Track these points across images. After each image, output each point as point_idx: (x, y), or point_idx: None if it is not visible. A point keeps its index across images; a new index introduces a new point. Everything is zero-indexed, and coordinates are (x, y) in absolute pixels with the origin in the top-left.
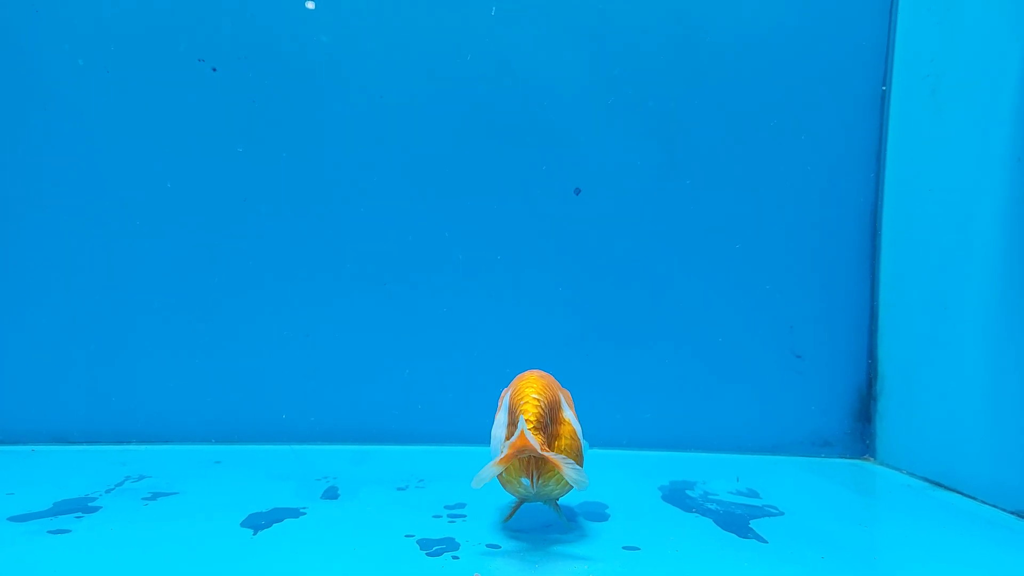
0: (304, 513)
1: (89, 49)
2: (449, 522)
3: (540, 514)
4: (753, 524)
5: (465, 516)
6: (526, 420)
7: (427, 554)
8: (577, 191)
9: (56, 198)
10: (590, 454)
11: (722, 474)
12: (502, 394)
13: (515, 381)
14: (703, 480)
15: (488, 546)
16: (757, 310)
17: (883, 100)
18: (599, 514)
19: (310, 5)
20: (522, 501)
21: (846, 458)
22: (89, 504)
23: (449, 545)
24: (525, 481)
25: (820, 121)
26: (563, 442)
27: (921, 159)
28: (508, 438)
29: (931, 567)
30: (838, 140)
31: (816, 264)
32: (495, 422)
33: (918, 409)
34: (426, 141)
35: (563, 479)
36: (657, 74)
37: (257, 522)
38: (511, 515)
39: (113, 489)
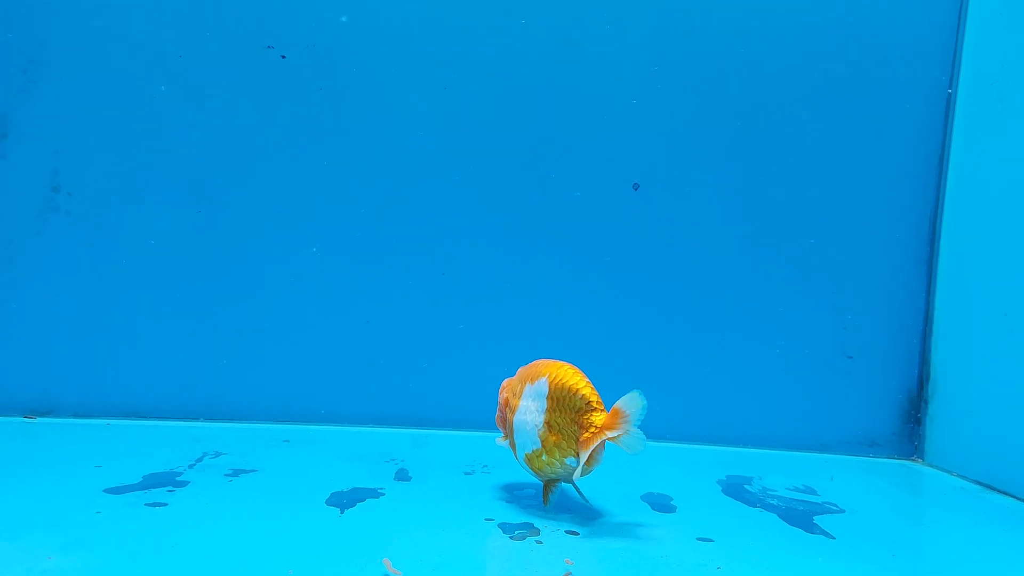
0: (383, 494)
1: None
2: (522, 508)
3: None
4: (817, 520)
5: (538, 504)
6: (597, 402)
7: (511, 537)
8: (636, 186)
9: (118, 176)
10: (651, 447)
11: (775, 470)
12: (506, 383)
13: (538, 369)
14: (759, 476)
15: (567, 532)
16: (811, 310)
17: (948, 104)
18: (665, 505)
19: None
20: (551, 483)
21: (894, 458)
22: (176, 479)
23: (529, 529)
24: (570, 461)
25: (883, 122)
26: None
27: (985, 164)
28: (552, 423)
29: (1001, 570)
30: (901, 142)
31: (872, 266)
32: (519, 409)
33: (971, 413)
34: (483, 131)
35: (599, 460)
36: (721, 72)
37: (341, 501)
38: (547, 499)
39: (195, 464)
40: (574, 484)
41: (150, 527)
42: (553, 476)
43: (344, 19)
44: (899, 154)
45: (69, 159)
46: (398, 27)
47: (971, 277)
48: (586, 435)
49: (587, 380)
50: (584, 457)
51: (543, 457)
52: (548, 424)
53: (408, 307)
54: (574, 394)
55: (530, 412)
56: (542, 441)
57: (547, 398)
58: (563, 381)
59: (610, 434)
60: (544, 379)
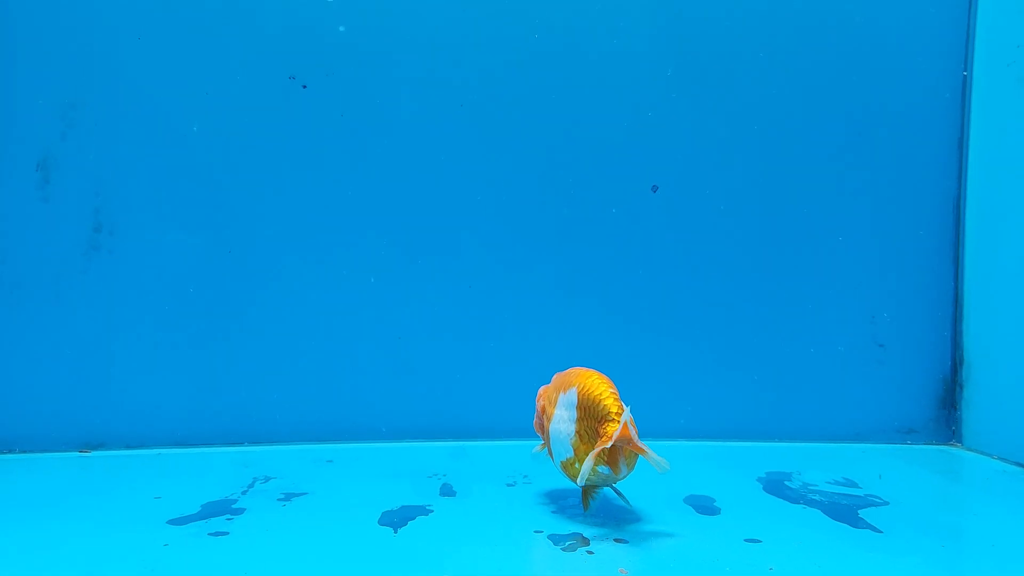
0: (431, 511)
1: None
2: (568, 518)
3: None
4: (862, 514)
5: (582, 512)
6: (616, 412)
7: (561, 548)
8: (655, 188)
9: (157, 211)
10: (683, 446)
11: (814, 464)
12: (542, 391)
13: (569, 378)
14: (798, 471)
15: (616, 540)
16: (840, 301)
17: (964, 86)
18: (709, 507)
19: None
20: (590, 488)
21: (932, 444)
22: (232, 506)
23: (579, 539)
24: (603, 469)
25: (900, 107)
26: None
27: (1006, 145)
28: (582, 432)
29: None
30: (919, 127)
31: (898, 253)
32: (554, 418)
33: (1006, 394)
34: (506, 142)
35: (633, 465)
36: (735, 66)
37: (392, 520)
38: (587, 504)
39: (248, 491)
40: (614, 488)
41: (217, 556)
42: (590, 483)
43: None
44: (919, 140)
45: (109, 199)
46: (412, 46)
47: (998, 258)
48: (600, 451)
49: (613, 390)
50: (588, 466)
51: (576, 465)
52: (579, 433)
53: (438, 320)
54: (598, 404)
55: (563, 421)
56: (574, 449)
57: (577, 407)
58: (589, 391)
59: (610, 444)
60: (574, 389)
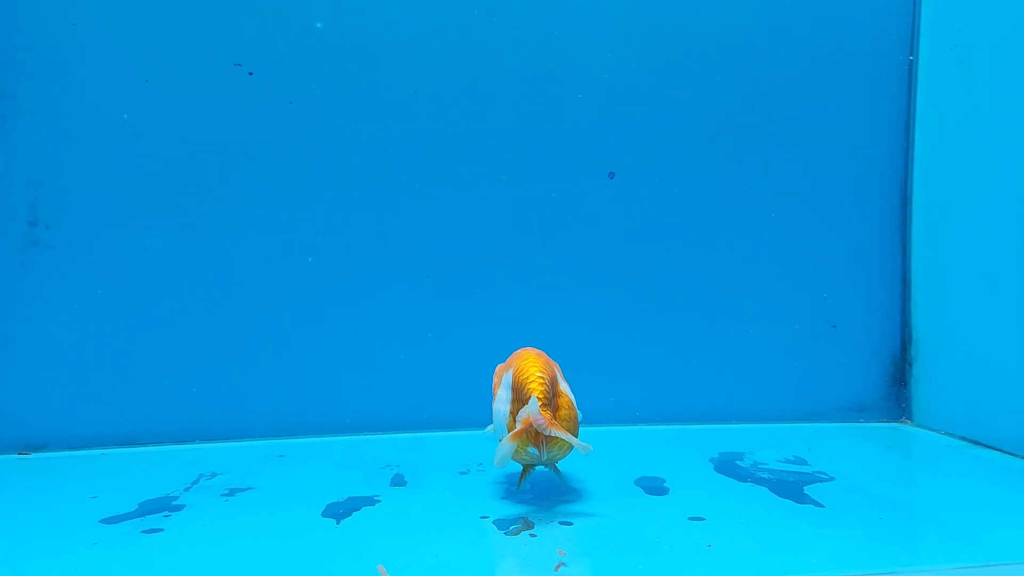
0: (379, 501)
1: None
2: (517, 503)
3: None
4: (807, 490)
5: (532, 497)
6: (536, 401)
7: (505, 533)
8: (611, 175)
9: (95, 204)
10: (641, 431)
11: (766, 443)
12: (497, 370)
13: (513, 359)
14: (750, 451)
15: (561, 523)
16: (791, 283)
17: (911, 70)
18: (658, 488)
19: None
20: (530, 468)
21: (883, 422)
22: (173, 503)
23: (524, 523)
24: (533, 451)
25: (848, 92)
26: (563, 412)
27: (950, 128)
28: (516, 414)
29: (988, 522)
30: (866, 111)
31: (848, 236)
32: (496, 397)
33: (954, 371)
34: (460, 131)
35: (564, 446)
36: (688, 50)
37: (337, 511)
38: (521, 482)
39: (191, 487)
40: (554, 468)
41: (146, 554)
42: (528, 461)
43: (319, 25)
44: (866, 123)
45: (45, 192)
46: (367, 32)
47: (945, 238)
48: (513, 434)
49: (543, 373)
50: (504, 450)
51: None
52: (512, 414)
53: (395, 312)
54: (523, 388)
55: (502, 402)
56: (508, 430)
57: (512, 389)
58: (520, 373)
59: (517, 428)
60: (511, 370)
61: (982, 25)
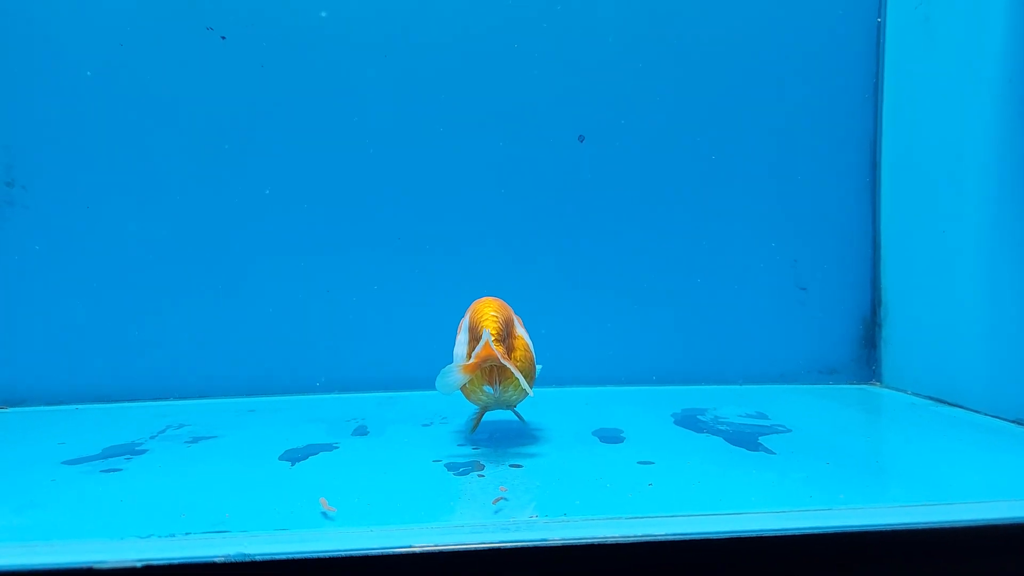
0: (337, 447)
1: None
2: (473, 448)
3: (512, 426)
4: (762, 440)
5: (489, 443)
6: (489, 333)
7: (454, 473)
8: (581, 138)
9: (71, 166)
10: (608, 391)
11: (731, 401)
12: (460, 324)
13: (472, 305)
14: (713, 407)
15: (511, 465)
16: (761, 246)
17: (879, 31)
18: (614, 438)
19: None
20: (484, 410)
21: (853, 384)
22: (136, 448)
23: (474, 466)
24: (488, 388)
25: (817, 54)
26: (518, 353)
27: (916, 88)
28: (471, 353)
29: (934, 469)
30: (836, 73)
31: (817, 198)
32: (456, 342)
33: (921, 332)
34: (426, 92)
35: (520, 386)
36: (657, 13)
37: (294, 456)
38: (476, 425)
39: (157, 436)
40: (513, 410)
41: (101, 489)
42: (483, 403)
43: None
44: (836, 85)
45: (20, 154)
46: (345, 8)
47: (910, 200)
48: (467, 365)
49: (498, 315)
50: (451, 379)
51: (467, 385)
52: (468, 355)
53: (368, 273)
54: (477, 326)
55: (459, 345)
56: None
57: (468, 331)
58: (475, 315)
59: (471, 359)
60: (468, 315)
61: None
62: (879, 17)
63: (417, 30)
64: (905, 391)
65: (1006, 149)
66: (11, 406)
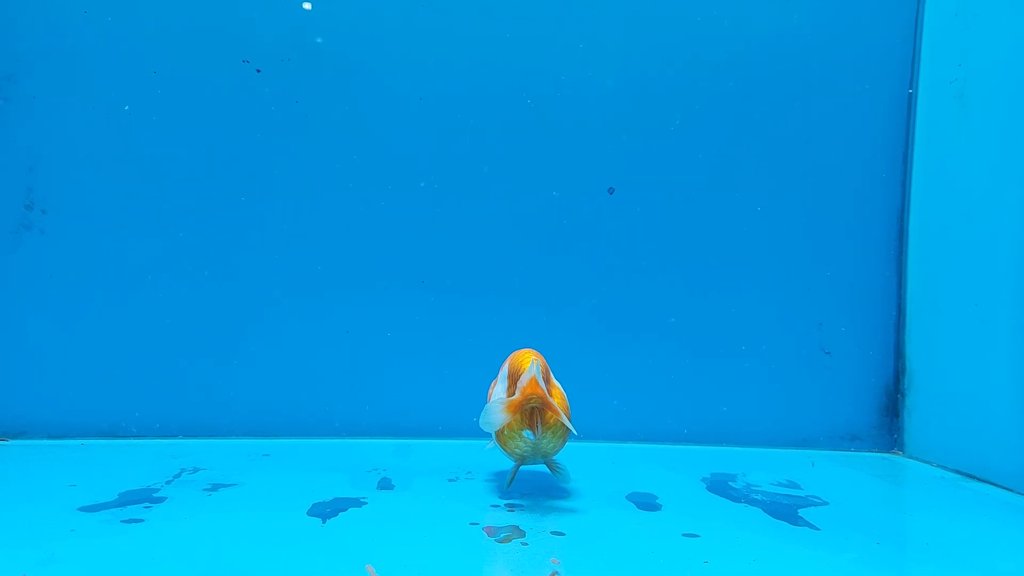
0: (365, 503)
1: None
2: (508, 511)
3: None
4: (802, 513)
5: (523, 506)
6: (536, 367)
7: (497, 541)
8: (611, 190)
9: (92, 194)
10: (632, 448)
11: (759, 467)
12: (496, 376)
13: (511, 355)
14: (743, 472)
15: (553, 533)
16: (787, 309)
17: (910, 103)
18: (650, 504)
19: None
20: (520, 463)
21: (875, 452)
22: (154, 495)
23: (515, 531)
24: (528, 434)
25: (848, 123)
26: (556, 400)
27: (948, 161)
28: (512, 394)
29: (983, 553)
30: (865, 142)
31: (844, 264)
32: (493, 390)
33: (947, 403)
34: (458, 138)
35: (558, 432)
36: (689, 77)
37: (323, 511)
38: (511, 481)
39: (172, 480)
40: (549, 465)
41: (126, 543)
42: (521, 452)
43: (319, 40)
44: (865, 153)
45: (43, 177)
46: (374, 37)
47: (940, 270)
48: (512, 401)
49: (537, 358)
50: (496, 415)
51: (505, 432)
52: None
53: (388, 316)
54: (519, 369)
55: (499, 391)
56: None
57: (508, 378)
58: (516, 360)
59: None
60: (507, 364)
61: (981, 59)
62: (910, 88)
63: (454, 82)
64: (930, 463)
65: None
66: (12, 437)
